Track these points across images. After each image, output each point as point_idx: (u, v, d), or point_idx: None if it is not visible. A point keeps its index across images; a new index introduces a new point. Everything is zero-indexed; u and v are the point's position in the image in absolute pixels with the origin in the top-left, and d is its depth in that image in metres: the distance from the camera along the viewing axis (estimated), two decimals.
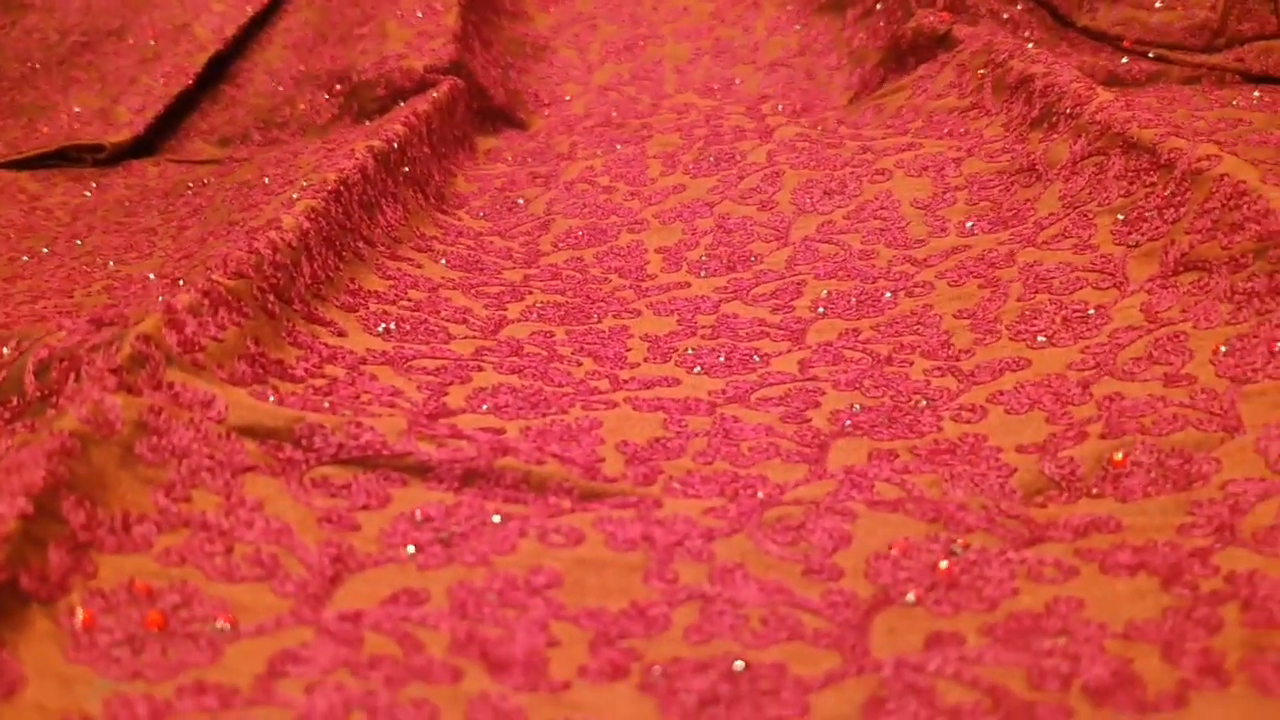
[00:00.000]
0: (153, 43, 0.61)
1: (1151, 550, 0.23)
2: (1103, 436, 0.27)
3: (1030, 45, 0.48)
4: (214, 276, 0.29)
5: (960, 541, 0.23)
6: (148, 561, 0.22)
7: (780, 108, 0.54)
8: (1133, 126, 0.38)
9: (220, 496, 0.23)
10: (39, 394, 0.26)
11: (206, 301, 0.28)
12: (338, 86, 0.56)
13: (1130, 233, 0.35)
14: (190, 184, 0.47)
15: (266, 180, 0.42)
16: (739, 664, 0.21)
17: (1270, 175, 0.33)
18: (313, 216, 0.34)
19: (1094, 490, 0.25)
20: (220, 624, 0.21)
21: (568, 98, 0.59)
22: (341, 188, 0.37)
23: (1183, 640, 0.20)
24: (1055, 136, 0.41)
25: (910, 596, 0.22)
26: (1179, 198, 0.35)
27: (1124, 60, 0.55)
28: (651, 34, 0.62)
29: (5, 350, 0.28)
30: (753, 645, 0.21)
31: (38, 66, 0.62)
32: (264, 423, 0.25)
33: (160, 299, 0.27)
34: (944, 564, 0.23)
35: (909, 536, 0.24)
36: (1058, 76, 0.44)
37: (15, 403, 0.26)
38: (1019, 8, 0.57)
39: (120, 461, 0.23)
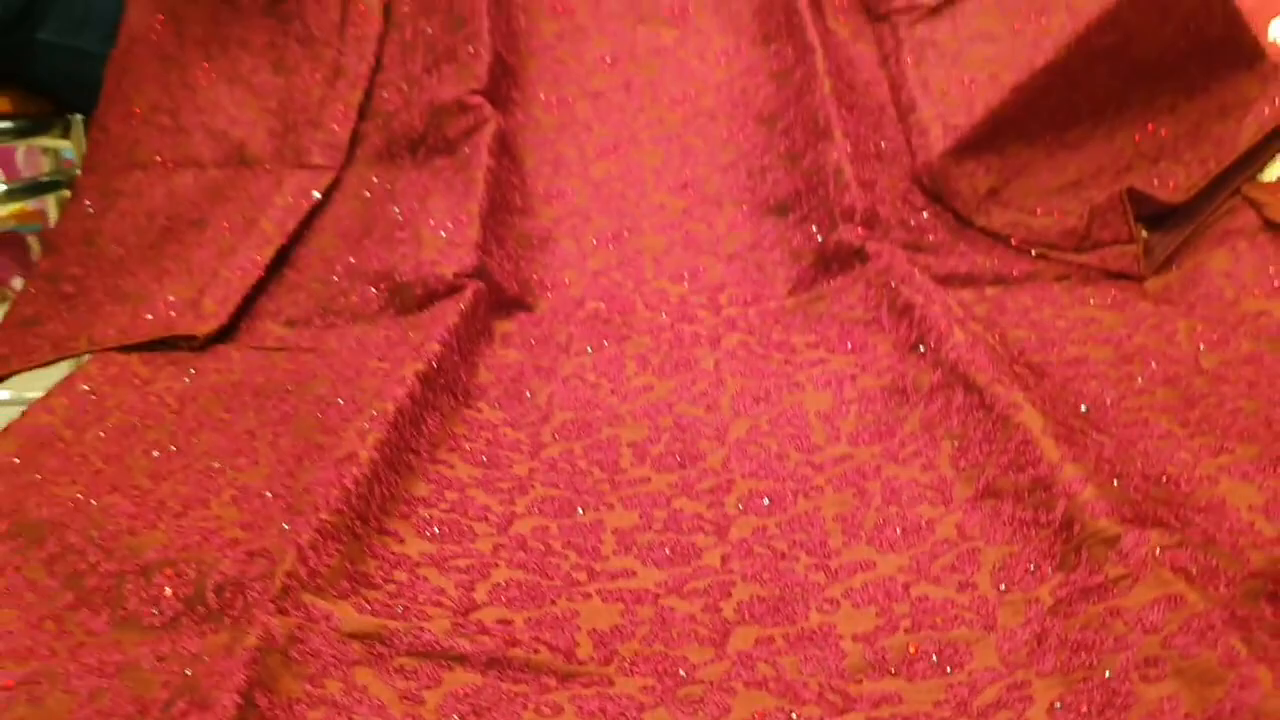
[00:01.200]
0: (228, 235, 0.76)
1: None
2: (907, 630, 0.41)
3: (917, 273, 0.62)
4: (322, 515, 0.43)
5: (796, 712, 0.37)
6: None
7: (733, 297, 0.68)
8: (972, 369, 0.52)
9: (341, 683, 0.37)
10: (217, 606, 0.40)
11: (320, 537, 0.42)
12: (382, 284, 0.70)
13: (960, 458, 0.49)
14: (274, 389, 0.61)
15: (340, 401, 0.56)
16: None
17: (1052, 425, 0.47)
18: (380, 448, 0.48)
19: (893, 671, 0.39)
20: None
21: (567, 281, 0.73)
22: (398, 415, 0.51)
23: None
24: (922, 364, 0.55)
25: None
26: (994, 434, 0.49)
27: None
28: (634, 227, 0.76)
29: (190, 571, 0.42)
30: None
31: (132, 250, 0.76)
32: (363, 628, 0.39)
33: (292, 539, 0.41)
34: None
35: (765, 708, 0.38)
36: (930, 309, 0.58)
37: (200, 611, 0.40)
38: (924, 215, 0.71)
39: (281, 662, 0.37)
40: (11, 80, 1.15)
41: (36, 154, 1.91)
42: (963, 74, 0.75)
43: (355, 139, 0.81)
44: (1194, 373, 0.58)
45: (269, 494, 0.49)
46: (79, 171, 1.16)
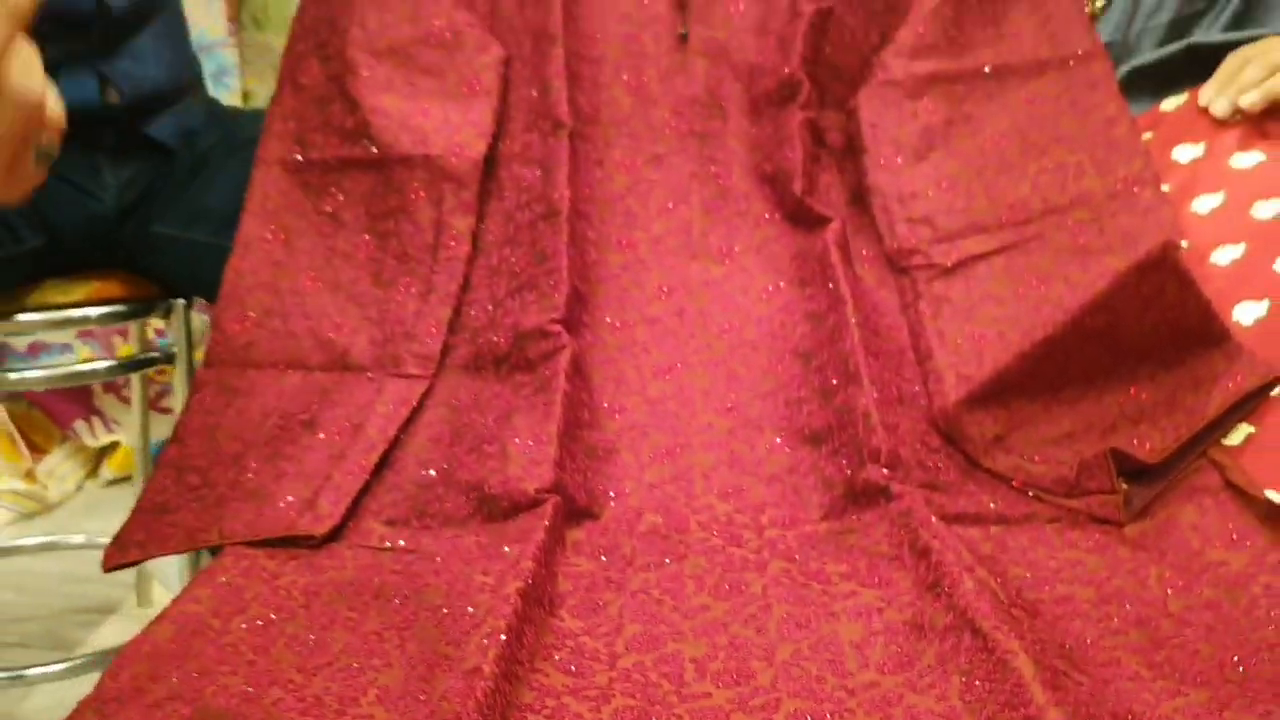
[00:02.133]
0: (337, 439, 0.87)
1: None
2: None
3: (934, 518, 0.74)
4: None
5: None
6: None
7: (773, 518, 0.79)
8: (978, 616, 0.63)
9: None
10: None
11: None
12: (472, 494, 0.81)
13: (966, 692, 0.60)
14: (391, 592, 0.72)
15: (457, 613, 0.67)
16: None
17: (1041, 671, 0.58)
18: (498, 661, 0.59)
19: None
20: None
21: (627, 492, 0.84)
22: (508, 631, 0.62)
23: None
24: (938, 605, 0.66)
25: None
26: (994, 674, 0.59)
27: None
28: (685, 444, 0.88)
29: None
30: None
31: (250, 446, 0.87)
32: None
33: None
34: None
35: None
36: (945, 555, 0.69)
37: None
38: (939, 456, 0.83)
39: None
40: (124, 267, 1.28)
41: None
42: (974, 329, 0.88)
43: (445, 351, 0.93)
44: (1162, 615, 0.69)
45: (409, 698, 0.59)
46: (174, 350, 1.29)
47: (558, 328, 0.88)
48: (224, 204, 1.18)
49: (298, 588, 0.73)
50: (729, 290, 0.96)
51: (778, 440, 0.86)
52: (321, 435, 0.87)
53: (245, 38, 2.03)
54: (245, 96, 2.08)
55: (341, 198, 1.00)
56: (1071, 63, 0.99)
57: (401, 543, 0.78)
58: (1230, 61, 0.97)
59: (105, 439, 2.08)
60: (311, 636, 0.67)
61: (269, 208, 1.00)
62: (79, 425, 2.09)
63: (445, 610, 0.67)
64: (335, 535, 0.80)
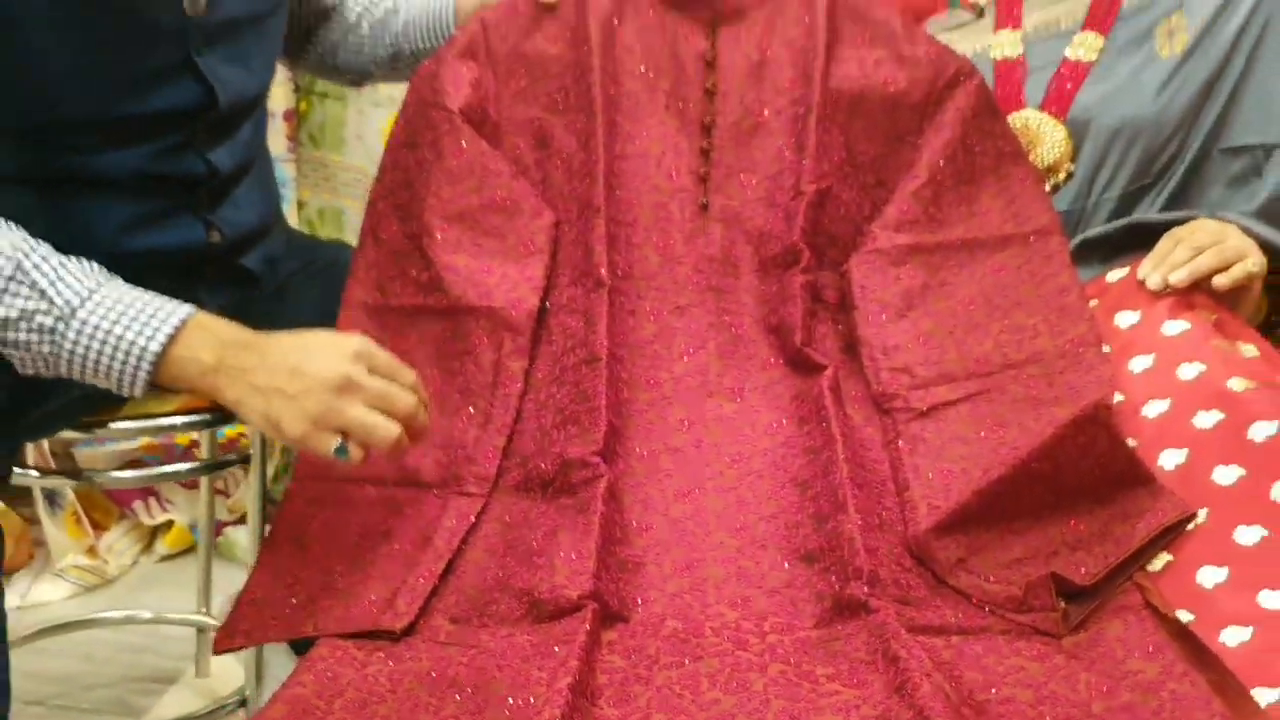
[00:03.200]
0: (410, 550, 1.04)
1: None
2: None
3: (904, 631, 0.90)
4: None
5: None
6: None
7: (774, 625, 0.96)
8: (934, 714, 0.79)
9: None
10: None
11: None
12: (524, 598, 0.98)
13: None
14: (463, 682, 0.88)
15: (531, 700, 0.84)
16: None
17: None
18: None
19: None
20: None
21: (653, 599, 1.01)
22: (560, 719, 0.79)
23: None
24: (903, 703, 0.83)
25: None
26: None
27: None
28: (701, 559, 1.04)
29: None
30: None
31: (333, 552, 1.05)
32: None
33: None
34: None
35: None
36: (910, 662, 0.85)
37: None
38: (912, 575, 1.00)
39: None
40: None
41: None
42: (943, 466, 1.06)
43: (500, 473, 1.11)
44: (1086, 715, 0.86)
45: None
46: (250, 452, 1.47)
47: (596, 459, 1.06)
48: (302, 326, 1.37)
49: (384, 675, 0.90)
50: (739, 425, 1.14)
51: (779, 558, 1.03)
52: (396, 545, 1.05)
53: (302, 154, 2.23)
54: (300, 205, 2.27)
55: (415, 339, 1.18)
56: (1031, 238, 1.18)
57: (466, 639, 0.95)
58: (1164, 242, 1.15)
59: (161, 518, 2.25)
60: (401, 719, 0.84)
61: None
62: (137, 505, 2.26)
63: (511, 700, 0.84)
64: (411, 630, 0.96)
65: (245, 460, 1.50)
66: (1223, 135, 1.26)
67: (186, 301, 1.35)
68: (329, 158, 2.24)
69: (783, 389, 1.16)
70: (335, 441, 0.92)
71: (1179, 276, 1.10)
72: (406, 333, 1.19)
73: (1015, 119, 1.30)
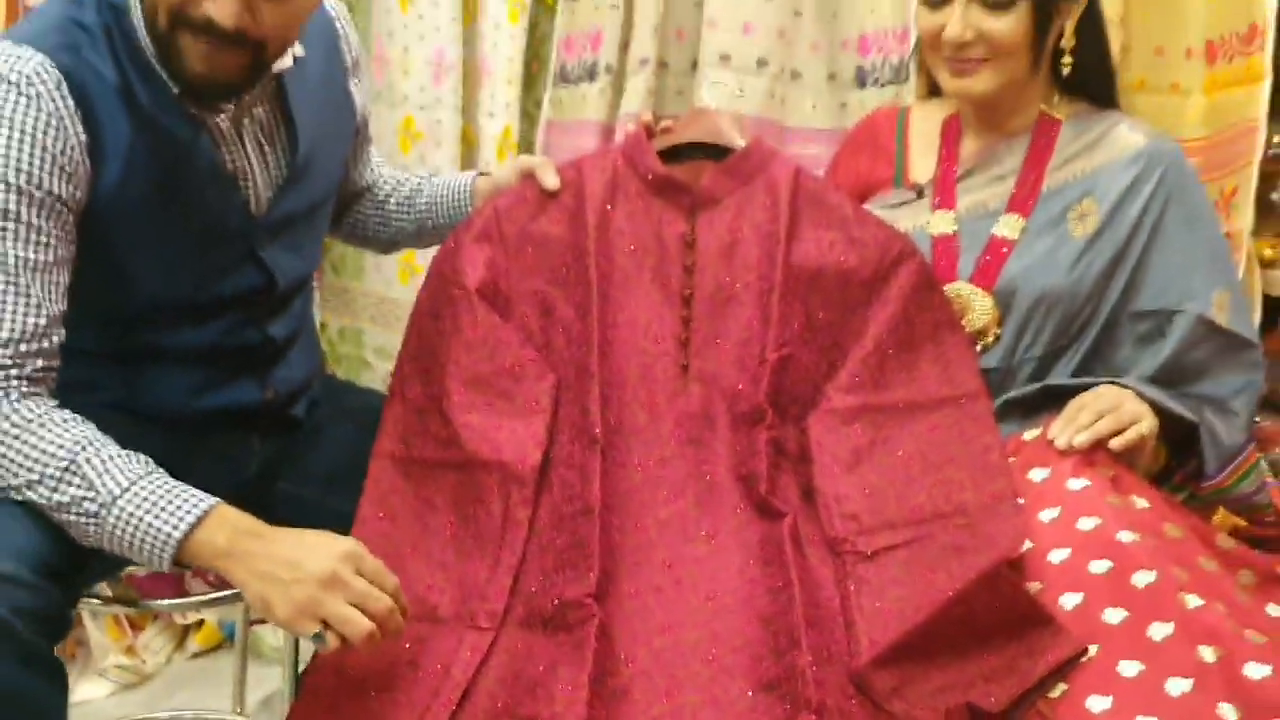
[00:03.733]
0: (434, 680, 1.24)
1: None
2: None
3: None
4: None
5: None
6: None
7: None
8: None
9: None
10: None
11: None
12: None
13: None
14: None
15: None
16: None
17: None
18: None
19: None
20: None
21: None
22: None
23: None
24: None
25: None
26: None
27: None
28: (680, 687, 1.18)
29: None
30: None
31: (368, 680, 1.24)
32: None
33: None
34: None
35: None
36: None
37: None
38: (854, 702, 1.19)
39: None
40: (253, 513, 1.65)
41: None
42: (883, 605, 1.25)
43: (507, 610, 1.30)
44: None
45: None
46: None
47: (590, 600, 1.26)
48: (329, 467, 1.57)
49: None
50: (713, 567, 1.34)
51: (745, 686, 1.22)
52: (421, 674, 1.24)
53: (325, 281, 2.43)
54: (323, 327, 2.48)
55: (435, 488, 1.39)
56: (962, 400, 1.39)
57: None
58: (1070, 407, 1.36)
59: (193, 617, 2.43)
60: None
61: (380, 492, 1.39)
62: (144, 600, 2.45)
63: None
64: None
65: None
66: (1130, 301, 1.48)
67: (242, 448, 1.55)
68: (349, 284, 2.45)
69: (750, 534, 1.36)
70: (315, 629, 1.07)
71: (1081, 439, 1.31)
72: (428, 482, 1.39)
73: (950, 289, 1.51)
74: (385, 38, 2.16)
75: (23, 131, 1.13)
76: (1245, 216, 1.92)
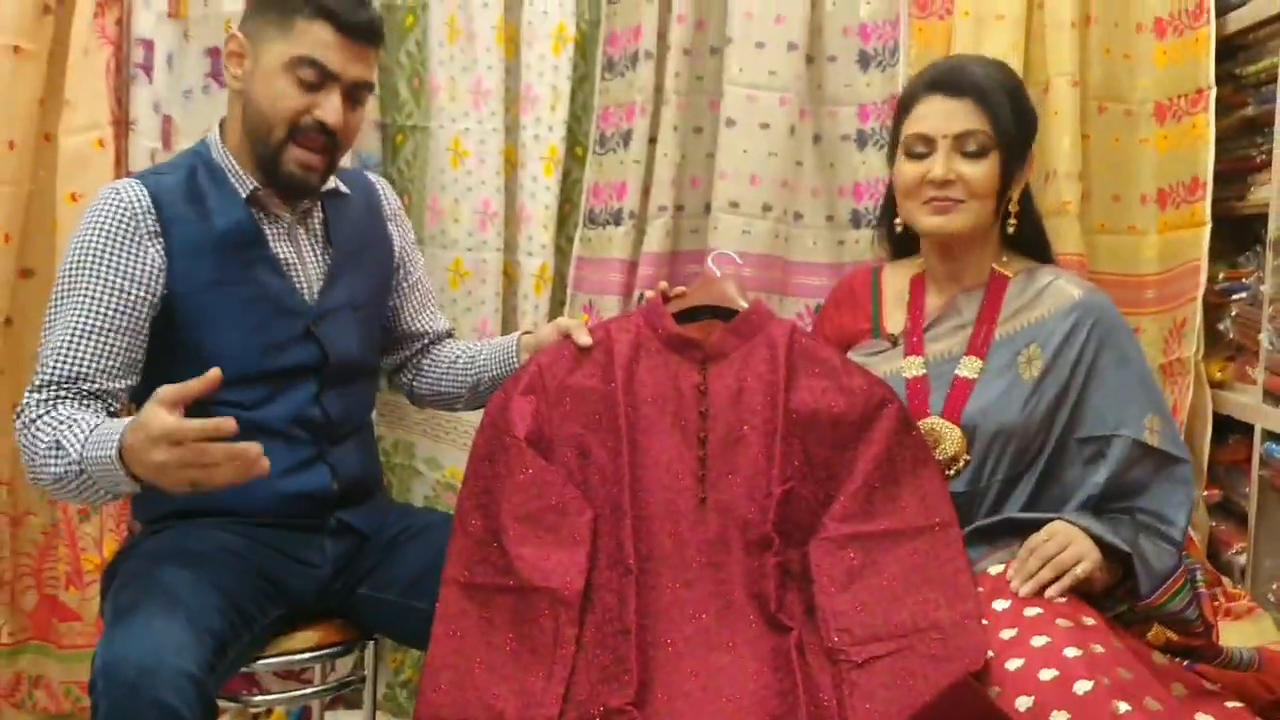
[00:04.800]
0: None
1: None
2: None
3: None
4: None
5: None
6: None
7: None
8: None
9: None
10: None
11: None
12: None
13: None
14: None
15: None
16: None
17: None
18: None
19: None
20: None
21: None
22: None
23: None
24: None
25: None
26: None
27: None
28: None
29: None
30: None
31: None
32: None
33: None
34: None
35: None
36: None
37: None
38: None
39: None
40: (336, 616, 1.94)
41: None
42: (872, 707, 1.50)
43: (560, 715, 1.56)
44: None
45: None
46: (364, 673, 1.92)
47: (631, 708, 1.52)
48: (408, 575, 1.87)
49: None
50: (732, 675, 1.59)
51: None
52: None
53: (382, 398, 2.71)
54: (379, 439, 2.76)
55: (495, 609, 1.65)
56: (936, 529, 1.66)
57: None
58: (1023, 551, 1.63)
59: (264, 705, 2.69)
60: None
61: (449, 613, 1.66)
62: (243, 694, 2.71)
63: None
64: None
65: (362, 681, 1.98)
66: (1075, 430, 1.74)
67: (316, 551, 1.88)
68: (403, 400, 2.73)
69: (763, 645, 1.62)
70: (188, 490, 1.39)
71: (1028, 589, 1.58)
72: (489, 605, 1.65)
73: (924, 424, 1.77)
74: (439, 191, 2.48)
75: (102, 223, 1.58)
76: (1193, 344, 2.19)
